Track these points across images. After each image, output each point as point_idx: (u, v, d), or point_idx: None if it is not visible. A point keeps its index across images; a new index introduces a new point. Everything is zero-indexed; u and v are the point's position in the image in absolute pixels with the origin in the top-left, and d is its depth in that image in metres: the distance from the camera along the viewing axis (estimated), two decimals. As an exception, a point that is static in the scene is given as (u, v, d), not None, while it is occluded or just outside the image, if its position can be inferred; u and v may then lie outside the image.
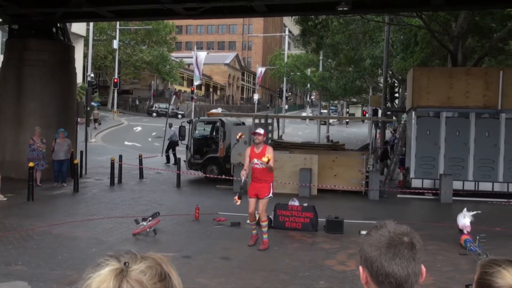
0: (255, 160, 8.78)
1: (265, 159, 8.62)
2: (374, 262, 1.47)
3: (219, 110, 21.34)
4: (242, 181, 8.48)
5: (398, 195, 16.03)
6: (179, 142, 20.46)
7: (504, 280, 1.48)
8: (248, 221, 9.50)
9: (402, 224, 1.56)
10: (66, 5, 16.33)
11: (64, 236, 9.45)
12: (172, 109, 54.61)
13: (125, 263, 1.05)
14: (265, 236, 9.05)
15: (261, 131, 8.79)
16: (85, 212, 11.83)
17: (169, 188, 16.40)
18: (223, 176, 16.05)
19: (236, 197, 8.47)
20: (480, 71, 16.94)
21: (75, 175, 14.74)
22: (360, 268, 1.53)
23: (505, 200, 14.72)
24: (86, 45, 43.56)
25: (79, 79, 36.73)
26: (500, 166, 15.61)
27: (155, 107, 57.19)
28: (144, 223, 9.79)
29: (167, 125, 26.04)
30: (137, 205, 13.00)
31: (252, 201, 8.91)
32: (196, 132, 19.29)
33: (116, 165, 16.72)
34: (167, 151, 23.52)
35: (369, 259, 1.48)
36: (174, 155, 23.17)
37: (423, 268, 1.51)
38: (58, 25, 17.81)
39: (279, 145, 17.56)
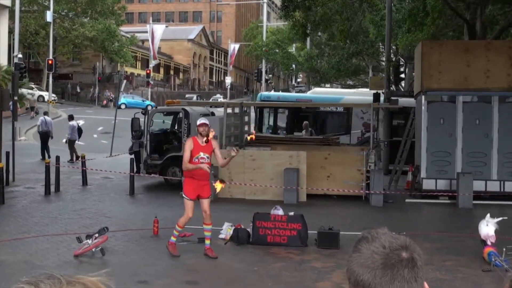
0: (201, 154, 9.52)
1: (219, 185, 9.38)
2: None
3: (194, 97, 21.27)
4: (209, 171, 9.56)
5: (407, 200, 16.17)
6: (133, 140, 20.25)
7: None
8: (177, 227, 9.88)
9: (400, 234, 1.54)
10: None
11: (-15, 260, 9.36)
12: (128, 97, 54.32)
13: None
14: (208, 242, 9.85)
15: (207, 121, 9.82)
16: (14, 230, 11.71)
17: (120, 196, 16.41)
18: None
19: (218, 182, 9.40)
20: (503, 44, 17.12)
21: (0, 182, 14.56)
22: None
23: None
24: (11, 17, 42.85)
25: (3, 61, 36.24)
26: (530, 162, 15.89)
27: (108, 96, 56.79)
28: (89, 241, 9.78)
29: (115, 119, 25.86)
30: (80, 219, 12.96)
31: (192, 204, 9.62)
32: (153, 125, 19.17)
33: (53, 169, 16.63)
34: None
35: (361, 283, 1.46)
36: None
37: (426, 287, 1.51)
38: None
39: (258, 139, 17.55)
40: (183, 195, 9.77)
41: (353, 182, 15.84)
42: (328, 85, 48.58)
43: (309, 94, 27.86)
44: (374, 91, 21.47)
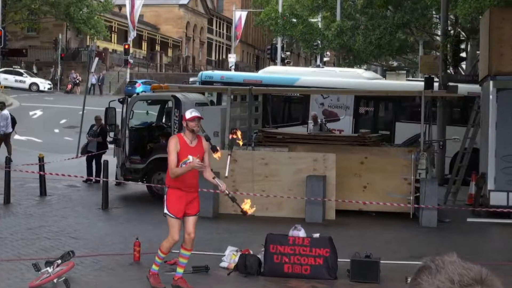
0: (190, 158, 9.51)
1: (217, 154, 9.75)
2: None
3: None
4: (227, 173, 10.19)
5: (469, 219, 16.09)
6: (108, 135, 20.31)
7: None
8: (160, 253, 9.85)
9: (472, 263, 1.53)
10: None
11: None
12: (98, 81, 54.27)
13: None
14: (181, 271, 9.91)
15: (199, 113, 9.84)
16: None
17: (90, 210, 16.39)
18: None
19: (218, 152, 9.88)
20: None
21: None
22: None
23: None
24: None
25: None
26: None
27: (73, 78, 56.99)
28: (49, 269, 9.70)
29: (83, 109, 25.88)
30: (37, 240, 12.90)
31: (178, 223, 9.72)
32: (134, 118, 19.18)
33: (1, 175, 16.60)
34: None
35: None
36: None
37: None
38: None
39: (271, 138, 17.59)
40: (166, 212, 9.71)
41: (398, 195, 15.79)
42: (365, 67, 48.44)
43: (260, 73, 29.13)
44: (350, 71, 22.00)
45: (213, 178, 9.72)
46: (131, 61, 62.55)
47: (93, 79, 53.24)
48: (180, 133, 10.16)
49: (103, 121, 20.34)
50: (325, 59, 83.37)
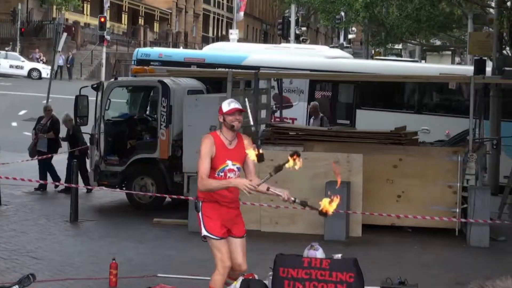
0: (229, 164, 9.00)
1: (252, 155, 8.72)
2: None
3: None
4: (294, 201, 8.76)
5: (529, 237, 16.22)
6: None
7: None
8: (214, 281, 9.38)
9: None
10: None
11: None
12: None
13: None
14: None
15: (239, 104, 9.20)
16: None
17: (56, 224, 16.40)
18: (167, 199, 15.83)
19: (257, 150, 8.74)
20: None
21: None
22: None
23: None
24: None
25: None
26: None
27: (36, 58, 57.10)
28: (4, 296, 9.75)
29: (48, 97, 25.84)
30: (-10, 261, 12.92)
31: (224, 245, 9.11)
32: (111, 108, 19.17)
33: None
34: None
35: None
36: None
37: None
38: None
39: (282, 134, 17.60)
40: (206, 234, 9.12)
41: (441, 207, 15.79)
42: (400, 45, 48.38)
43: (204, 50, 30.96)
44: (308, 48, 22.30)
45: (268, 189, 8.98)
46: (108, 37, 62.38)
47: (60, 60, 53.33)
48: (215, 131, 9.56)
49: (54, 112, 20.31)
50: (350, 36, 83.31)
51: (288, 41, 55.56)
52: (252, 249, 13.94)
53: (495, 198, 17.83)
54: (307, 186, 15.73)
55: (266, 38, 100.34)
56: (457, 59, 68.35)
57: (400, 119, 20.51)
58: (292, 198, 8.79)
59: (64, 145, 20.77)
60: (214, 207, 9.03)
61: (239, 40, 71.08)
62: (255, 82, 18.38)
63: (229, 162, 8.93)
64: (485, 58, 22.32)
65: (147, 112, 20.21)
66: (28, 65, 56.35)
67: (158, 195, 17.40)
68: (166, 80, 18.51)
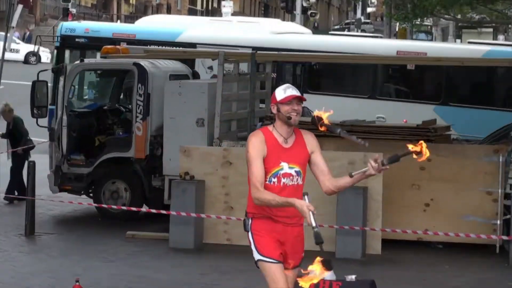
0: (285, 167, 8.29)
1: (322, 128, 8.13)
2: None
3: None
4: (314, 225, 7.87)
5: None
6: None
7: None
8: None
9: None
10: None
11: None
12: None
13: None
14: None
15: (297, 91, 8.31)
16: None
17: (8, 238, 16.77)
18: (144, 208, 15.79)
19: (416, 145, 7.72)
20: None
21: None
22: None
23: None
24: None
25: None
26: None
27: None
28: None
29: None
30: None
31: (280, 269, 8.40)
32: (76, 97, 19.10)
33: None
34: None
35: None
36: None
37: None
38: None
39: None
40: (260, 257, 8.38)
41: (478, 218, 15.72)
42: (430, 21, 48.38)
43: (136, 24, 33.06)
44: (251, 21, 23.01)
45: (351, 175, 8.35)
46: (74, 10, 62.66)
47: (15, 38, 53.47)
48: (265, 126, 8.52)
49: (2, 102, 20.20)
50: (369, 9, 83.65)
51: (293, 16, 55.73)
52: (246, 268, 13.61)
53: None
54: (315, 193, 15.59)
55: (267, 11, 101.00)
56: (500, 37, 68.49)
57: (353, 106, 20.81)
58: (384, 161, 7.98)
59: (3, 143, 20.74)
60: (265, 224, 8.45)
61: (233, 14, 71.49)
62: (251, 65, 18.36)
63: (284, 165, 8.29)
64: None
65: (120, 102, 20.11)
66: None
67: (133, 208, 17.28)
68: (143, 62, 18.43)
